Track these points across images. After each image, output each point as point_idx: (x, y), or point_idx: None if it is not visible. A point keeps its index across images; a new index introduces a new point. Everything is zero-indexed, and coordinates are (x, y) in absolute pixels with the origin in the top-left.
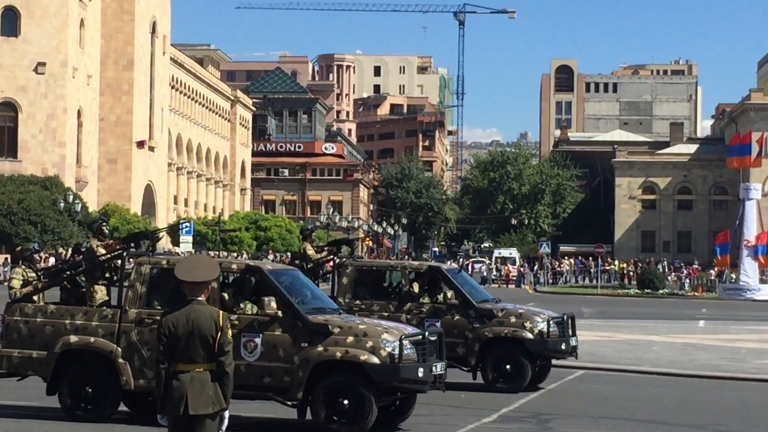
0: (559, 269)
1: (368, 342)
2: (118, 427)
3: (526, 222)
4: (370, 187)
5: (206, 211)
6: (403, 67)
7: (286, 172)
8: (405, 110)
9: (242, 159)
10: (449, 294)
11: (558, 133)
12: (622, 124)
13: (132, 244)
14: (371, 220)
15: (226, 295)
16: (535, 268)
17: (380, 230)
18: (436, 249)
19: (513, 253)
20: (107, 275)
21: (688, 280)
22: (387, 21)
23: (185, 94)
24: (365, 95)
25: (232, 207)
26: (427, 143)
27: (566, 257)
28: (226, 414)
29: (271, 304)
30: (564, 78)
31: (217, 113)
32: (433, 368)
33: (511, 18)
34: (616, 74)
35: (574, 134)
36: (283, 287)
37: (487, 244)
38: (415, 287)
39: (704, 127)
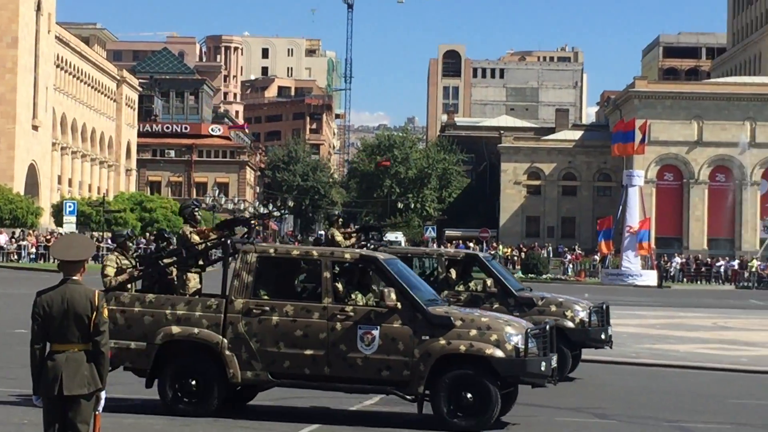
0: None
1: (492, 335)
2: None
3: (412, 206)
4: (257, 169)
5: (91, 191)
6: (291, 49)
7: (172, 153)
8: (293, 93)
9: (128, 139)
10: (489, 282)
11: (445, 117)
12: (508, 109)
13: (227, 231)
14: (257, 203)
15: (339, 286)
16: None
17: (266, 213)
18: (321, 232)
19: (399, 236)
20: (200, 263)
21: (571, 266)
22: (275, 3)
23: (71, 74)
24: (253, 77)
25: (117, 188)
26: (314, 126)
27: (451, 241)
28: (103, 395)
29: (391, 295)
30: (451, 63)
31: (102, 93)
32: (552, 361)
33: (400, 2)
34: (503, 60)
35: (460, 119)
36: (401, 278)
37: None
38: (453, 274)
39: (589, 114)
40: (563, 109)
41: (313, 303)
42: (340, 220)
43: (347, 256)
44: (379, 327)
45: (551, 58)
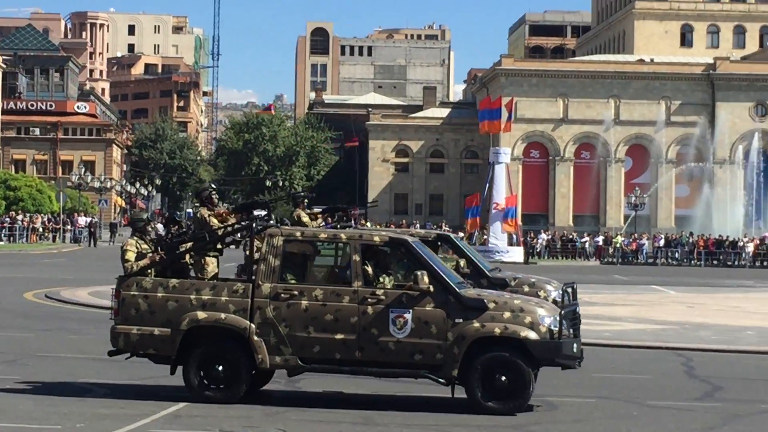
0: None
1: (526, 317)
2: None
3: (281, 184)
4: (124, 147)
5: None
6: (158, 26)
7: (37, 131)
8: (159, 70)
9: None
10: (462, 263)
11: (313, 95)
12: (376, 87)
13: (246, 214)
14: (124, 181)
15: (369, 269)
16: None
17: (133, 191)
18: (190, 210)
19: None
20: (218, 246)
21: None
22: None
23: None
24: (119, 54)
25: None
26: (181, 104)
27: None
28: None
29: (424, 278)
30: (319, 41)
31: None
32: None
33: None
34: (371, 38)
35: (329, 97)
36: (432, 261)
37: None
38: None
39: (457, 91)
40: (431, 87)
41: (343, 287)
42: (306, 200)
43: (376, 239)
44: (411, 310)
45: (419, 36)
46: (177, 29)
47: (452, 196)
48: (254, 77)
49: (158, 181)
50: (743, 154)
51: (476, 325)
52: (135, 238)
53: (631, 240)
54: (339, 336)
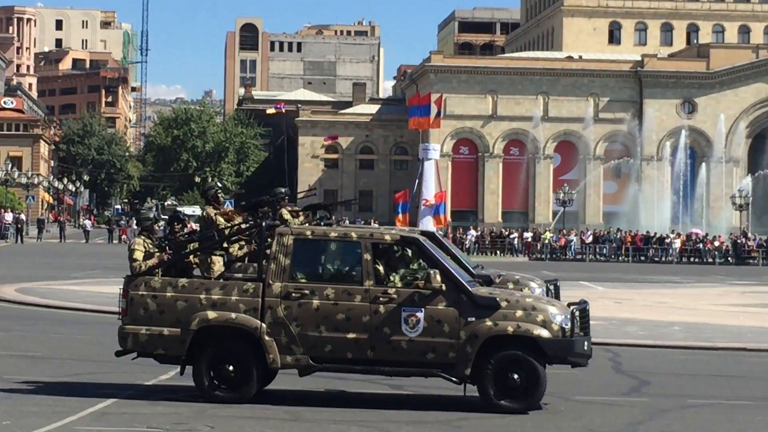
0: None
1: (539, 316)
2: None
3: (210, 180)
4: (51, 143)
5: None
6: (86, 21)
7: None
8: (87, 65)
9: None
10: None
11: (242, 91)
12: (306, 83)
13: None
14: (52, 177)
15: (381, 268)
16: None
17: (61, 187)
18: (119, 206)
19: (196, 210)
20: (224, 245)
21: None
22: None
23: None
24: (47, 49)
25: None
26: (110, 99)
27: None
28: None
29: (437, 277)
30: (249, 36)
31: None
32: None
33: None
34: (301, 34)
35: (258, 93)
36: (444, 259)
37: (170, 202)
38: (409, 252)
39: (386, 88)
40: (360, 83)
41: (355, 285)
42: (287, 197)
43: (387, 237)
44: (423, 309)
45: (348, 33)
46: (105, 24)
47: (382, 192)
48: (183, 73)
49: (86, 177)
50: (670, 151)
51: (489, 323)
52: (142, 237)
53: (559, 236)
54: (351, 335)
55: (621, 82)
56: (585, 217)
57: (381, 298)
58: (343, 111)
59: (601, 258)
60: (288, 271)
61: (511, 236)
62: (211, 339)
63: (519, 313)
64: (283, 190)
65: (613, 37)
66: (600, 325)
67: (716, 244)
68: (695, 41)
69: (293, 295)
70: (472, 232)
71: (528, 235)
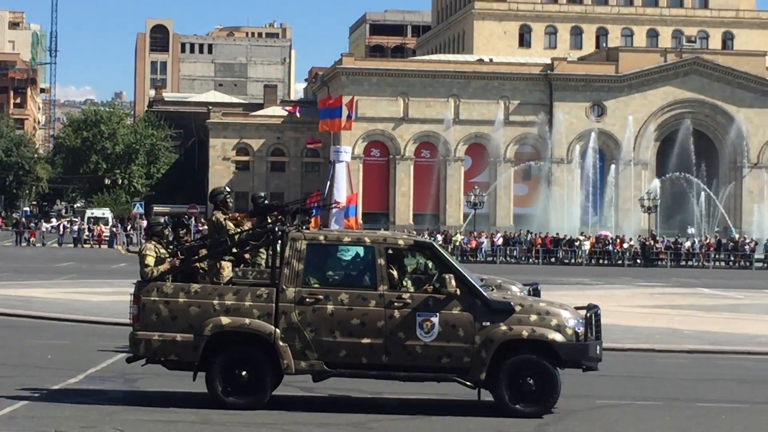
0: None
1: (552, 320)
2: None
3: (120, 182)
4: None
5: None
6: None
7: None
8: None
9: None
10: (430, 264)
11: (153, 93)
12: (217, 85)
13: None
14: None
15: (395, 273)
16: (128, 228)
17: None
18: (27, 209)
19: (106, 213)
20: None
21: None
22: None
23: None
24: None
25: None
26: (18, 101)
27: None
28: None
29: (452, 281)
30: (159, 38)
31: None
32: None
33: None
34: (212, 35)
35: (169, 94)
36: (457, 264)
37: (80, 204)
38: None
39: (298, 90)
40: (272, 85)
41: (369, 290)
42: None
43: (401, 242)
44: (438, 314)
45: (260, 34)
46: (14, 25)
47: (293, 195)
48: (93, 74)
49: None
50: (580, 154)
51: (504, 328)
52: (153, 242)
53: (470, 238)
54: (366, 340)
55: (531, 85)
56: (496, 219)
57: (395, 303)
58: (254, 113)
59: (511, 260)
60: (301, 276)
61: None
62: (225, 345)
63: (533, 317)
64: (262, 194)
65: (524, 41)
66: None
67: (625, 246)
68: (604, 45)
69: (307, 300)
70: None
71: (439, 237)
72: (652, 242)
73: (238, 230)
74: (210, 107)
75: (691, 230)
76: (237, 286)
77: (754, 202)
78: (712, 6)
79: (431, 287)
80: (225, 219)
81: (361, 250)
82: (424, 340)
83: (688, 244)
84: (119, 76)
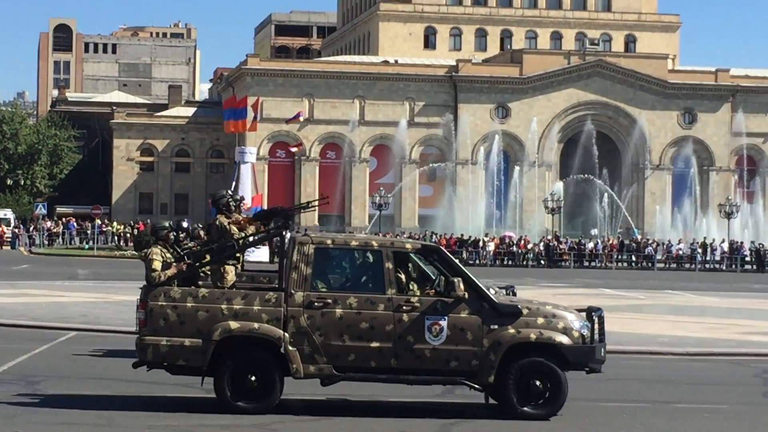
0: (55, 230)
1: (559, 323)
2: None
3: (22, 183)
4: None
5: None
6: None
7: None
8: None
9: None
10: (410, 267)
11: (56, 93)
12: (121, 85)
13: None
14: None
15: (403, 277)
16: (31, 229)
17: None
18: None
19: (8, 214)
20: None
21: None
22: None
23: None
24: None
25: None
26: None
27: (63, 218)
28: None
29: (460, 285)
30: (63, 37)
31: None
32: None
33: None
34: (116, 35)
35: (72, 94)
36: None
37: None
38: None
39: (203, 90)
40: (176, 86)
41: (377, 294)
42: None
43: (408, 246)
44: (446, 317)
45: (164, 35)
46: None
47: (198, 196)
48: None
49: None
50: (485, 155)
51: (512, 331)
52: (158, 246)
53: None
54: (375, 344)
55: (436, 86)
56: (401, 220)
57: (404, 307)
58: (158, 113)
59: None
60: (309, 280)
61: None
62: (233, 349)
63: (540, 320)
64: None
65: (429, 42)
66: None
67: (529, 246)
68: (509, 47)
69: (316, 304)
70: (289, 234)
71: None
72: (555, 243)
73: (242, 235)
74: (114, 107)
75: (594, 231)
76: (245, 290)
77: (656, 204)
78: (615, 9)
79: (432, 291)
80: (229, 223)
81: (368, 254)
82: (433, 343)
83: (591, 245)
84: (21, 75)
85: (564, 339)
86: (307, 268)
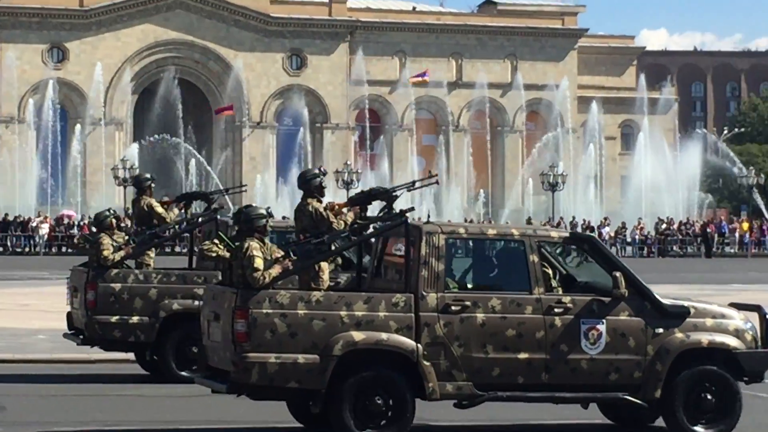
0: None
1: (730, 325)
2: None
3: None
4: None
5: None
6: None
7: None
8: None
9: None
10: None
11: None
12: None
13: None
14: None
15: (549, 272)
16: None
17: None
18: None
19: None
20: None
21: None
22: None
23: None
24: None
25: None
26: None
27: None
28: None
29: (622, 281)
30: None
31: None
32: None
33: None
34: None
35: None
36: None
37: None
38: None
39: None
40: None
41: (523, 294)
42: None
43: (554, 235)
44: (605, 321)
45: None
46: None
47: None
48: None
49: None
50: (35, 111)
51: (680, 335)
52: (256, 240)
53: None
54: (523, 355)
55: None
56: None
57: (555, 309)
58: None
59: None
60: (442, 279)
61: None
62: (354, 366)
63: (709, 322)
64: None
65: None
66: None
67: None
68: None
69: (452, 308)
70: None
71: None
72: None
73: (363, 222)
74: None
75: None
76: (367, 293)
77: (258, 171)
78: None
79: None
80: (324, 209)
81: (509, 246)
82: (590, 353)
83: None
84: None
85: (738, 344)
86: (439, 263)
